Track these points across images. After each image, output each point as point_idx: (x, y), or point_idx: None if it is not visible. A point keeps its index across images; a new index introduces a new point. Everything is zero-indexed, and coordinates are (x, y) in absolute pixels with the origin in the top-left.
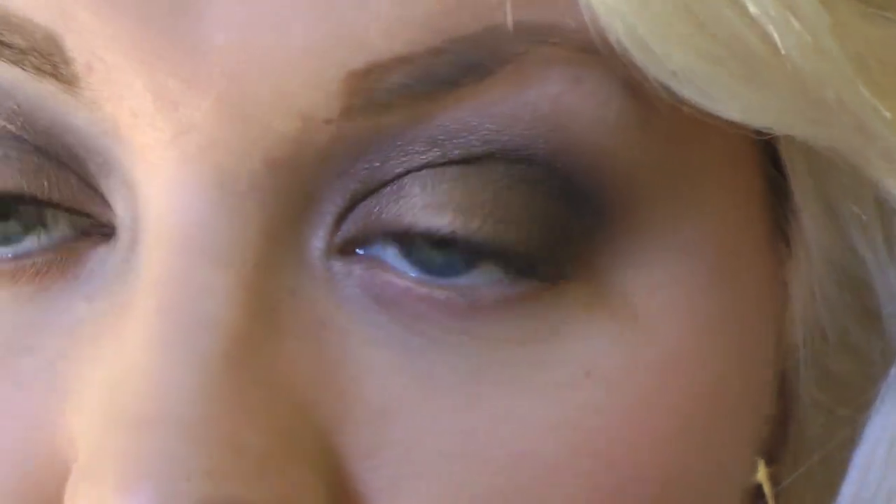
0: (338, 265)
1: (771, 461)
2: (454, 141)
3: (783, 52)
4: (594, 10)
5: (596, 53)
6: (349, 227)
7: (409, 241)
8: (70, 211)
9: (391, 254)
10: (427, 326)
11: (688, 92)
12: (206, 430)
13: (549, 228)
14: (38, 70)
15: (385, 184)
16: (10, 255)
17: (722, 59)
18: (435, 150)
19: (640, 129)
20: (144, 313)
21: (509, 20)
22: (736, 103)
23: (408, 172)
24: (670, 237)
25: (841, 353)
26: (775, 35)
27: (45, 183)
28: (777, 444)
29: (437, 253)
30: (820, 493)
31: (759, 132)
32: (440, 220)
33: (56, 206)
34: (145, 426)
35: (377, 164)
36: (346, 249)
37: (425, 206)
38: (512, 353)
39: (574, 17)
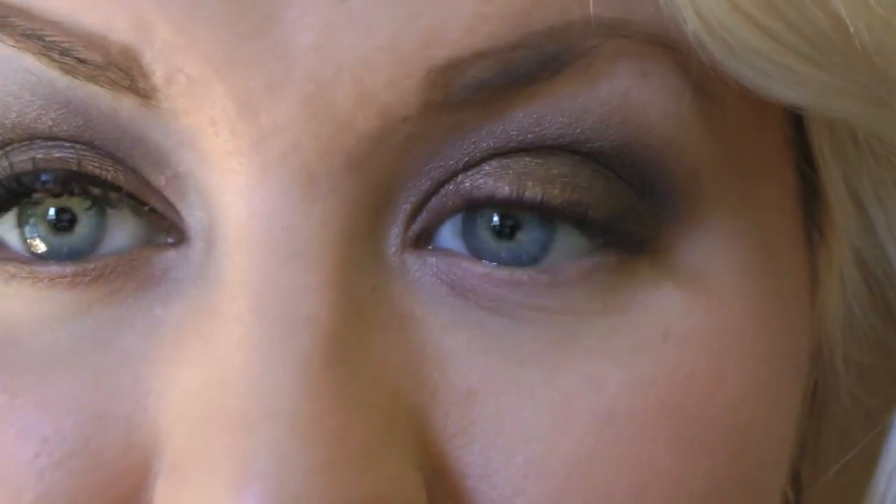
0: (412, 258)
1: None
2: (528, 136)
3: (852, 30)
4: None
5: (663, 46)
6: (423, 218)
7: (476, 235)
8: (137, 201)
9: (459, 246)
10: (508, 307)
11: (751, 74)
12: (313, 427)
13: (620, 204)
14: (116, 85)
15: (461, 172)
16: (69, 261)
17: (789, 41)
18: (510, 144)
19: (704, 124)
20: (237, 315)
21: (591, 12)
22: (798, 87)
23: (483, 160)
24: (729, 224)
25: (867, 346)
26: (844, 13)
27: (112, 170)
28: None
29: (505, 246)
30: (848, 488)
31: (796, 130)
32: (522, 185)
33: (123, 193)
34: (251, 425)
35: (451, 161)
36: (419, 242)
37: (503, 175)
38: (590, 323)
39: (643, 10)
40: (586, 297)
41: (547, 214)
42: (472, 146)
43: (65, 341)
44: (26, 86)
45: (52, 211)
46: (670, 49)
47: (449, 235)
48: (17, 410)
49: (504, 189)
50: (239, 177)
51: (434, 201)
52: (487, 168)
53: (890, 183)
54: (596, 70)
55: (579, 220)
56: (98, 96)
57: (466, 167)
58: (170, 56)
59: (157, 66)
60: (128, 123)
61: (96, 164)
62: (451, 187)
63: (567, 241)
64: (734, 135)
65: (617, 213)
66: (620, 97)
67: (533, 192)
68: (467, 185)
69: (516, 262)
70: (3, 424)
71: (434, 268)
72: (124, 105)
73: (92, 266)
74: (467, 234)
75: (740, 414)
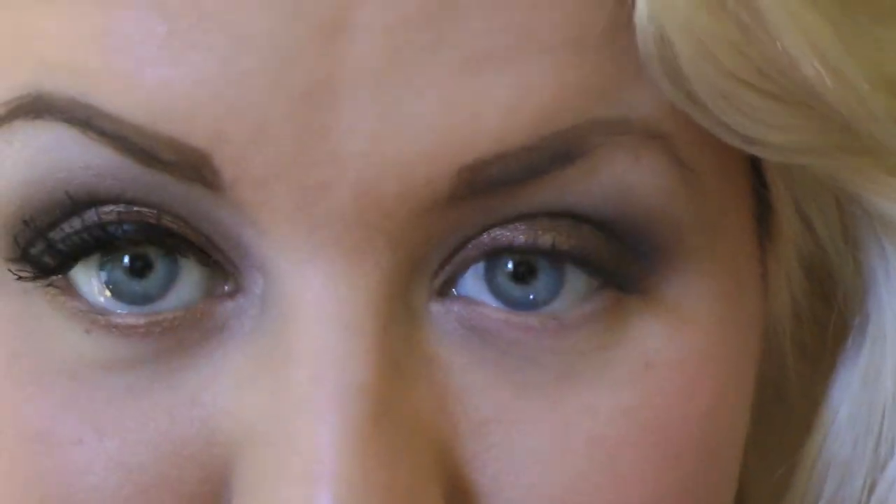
0: (437, 306)
1: None
2: (538, 214)
3: (833, 105)
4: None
5: (655, 137)
6: (447, 271)
7: (497, 281)
8: (205, 253)
9: (482, 290)
10: (520, 348)
11: (754, 127)
12: (367, 483)
13: (617, 254)
14: (186, 178)
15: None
16: (141, 313)
17: (788, 101)
18: (523, 218)
19: (685, 194)
20: (296, 379)
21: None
22: (785, 134)
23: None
24: (705, 263)
25: (808, 325)
26: (827, 95)
27: (184, 226)
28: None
29: (520, 289)
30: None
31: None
32: (535, 236)
33: (195, 246)
34: (313, 484)
35: (472, 233)
36: (443, 290)
37: (518, 229)
38: (588, 359)
39: (641, 107)
40: (587, 337)
41: (557, 257)
42: (493, 219)
43: (140, 384)
44: (108, 170)
45: (126, 258)
46: (662, 138)
47: (471, 280)
48: (104, 443)
49: (520, 238)
50: (295, 254)
51: (458, 256)
52: (505, 223)
53: (829, 197)
54: (598, 160)
55: (584, 261)
56: (172, 183)
57: (486, 229)
58: (238, 161)
59: (226, 167)
60: (198, 201)
61: (172, 222)
62: (473, 241)
63: (574, 282)
64: (708, 197)
65: (614, 259)
66: (617, 180)
67: (545, 238)
68: (486, 238)
69: (530, 304)
70: (91, 454)
71: (456, 314)
72: (195, 191)
73: (162, 318)
74: (489, 278)
75: (710, 427)
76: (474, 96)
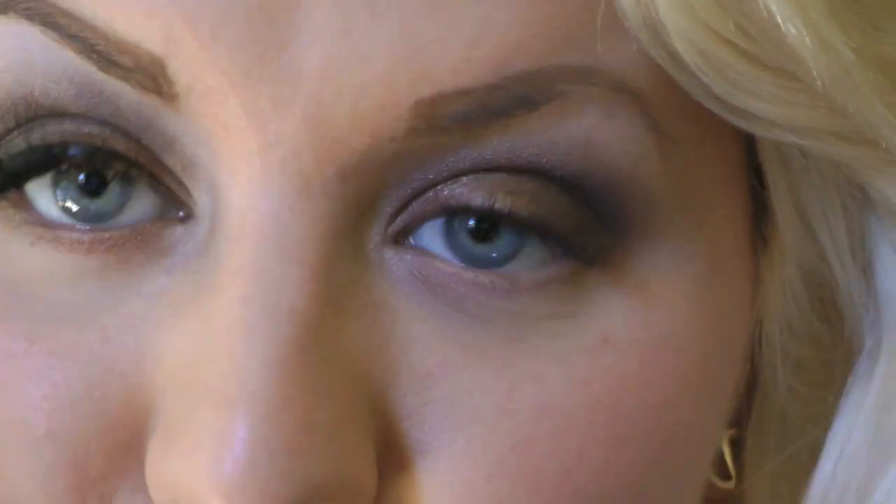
0: (390, 253)
1: (732, 426)
2: (500, 160)
3: (815, 73)
4: (655, 28)
5: (628, 93)
6: (404, 219)
7: (455, 237)
8: (155, 179)
9: (439, 245)
10: (471, 305)
11: (736, 93)
12: (285, 412)
13: (580, 221)
14: (143, 87)
15: (440, 184)
16: (87, 228)
17: (771, 66)
18: (483, 166)
19: (661, 159)
20: (228, 300)
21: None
22: (769, 105)
23: (460, 174)
24: (679, 241)
25: (804, 342)
26: (809, 59)
27: (135, 150)
28: (740, 415)
29: (479, 247)
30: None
31: (749, 155)
32: (493, 199)
33: (144, 171)
34: (231, 406)
35: (431, 175)
36: (398, 239)
37: (477, 187)
38: (539, 326)
39: (612, 59)
40: (539, 303)
41: (515, 224)
42: (451, 164)
43: (78, 300)
44: (65, 75)
45: (83, 176)
46: (635, 95)
47: (428, 235)
48: (33, 356)
49: (477, 199)
50: (244, 175)
51: (414, 206)
52: (464, 180)
53: (836, 201)
54: (566, 110)
55: (543, 231)
56: (127, 91)
57: (445, 180)
58: (192, 68)
59: (181, 76)
60: (151, 116)
61: (121, 144)
62: (430, 194)
63: (531, 250)
64: (689, 168)
65: (577, 228)
66: (585, 135)
67: (504, 202)
68: (445, 193)
69: (491, 261)
70: (20, 366)
71: (409, 263)
72: (149, 101)
73: (108, 235)
74: (447, 232)
75: (666, 415)
76: (438, 26)
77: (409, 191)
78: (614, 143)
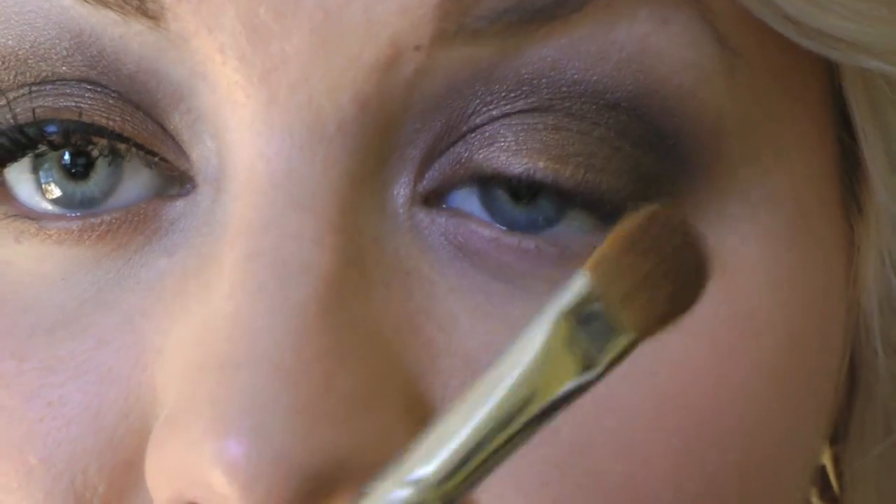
0: (421, 214)
1: (833, 441)
2: (542, 80)
3: None
4: None
5: None
6: (434, 175)
7: (493, 198)
8: (146, 151)
9: (476, 206)
10: (513, 275)
11: (808, 9)
12: (299, 372)
13: (637, 178)
14: (124, 6)
15: (473, 130)
16: (77, 215)
17: None
18: (523, 88)
19: (727, 76)
20: (233, 261)
21: None
22: (845, 20)
23: (495, 119)
24: (754, 190)
25: None
26: None
27: (119, 119)
28: (841, 423)
29: (520, 210)
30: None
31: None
32: (534, 166)
33: (131, 143)
34: (236, 368)
35: (462, 104)
36: (430, 200)
37: (517, 151)
38: None
39: None
40: None
41: (558, 198)
42: (484, 91)
43: (71, 302)
44: (41, 13)
45: (67, 156)
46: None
47: (462, 196)
48: (24, 374)
49: (516, 168)
50: (247, 111)
51: (445, 160)
52: (502, 143)
53: None
54: (615, 12)
55: (591, 203)
56: (109, 23)
57: (475, 128)
58: None
59: None
60: (139, 51)
61: (103, 113)
62: (463, 152)
63: (578, 212)
64: (762, 94)
65: (633, 192)
66: (638, 43)
67: (545, 173)
68: (479, 158)
69: (532, 225)
70: (11, 388)
71: (443, 227)
72: (134, 30)
73: (99, 220)
74: (484, 195)
75: (749, 409)
76: None
77: (439, 129)
78: (672, 52)
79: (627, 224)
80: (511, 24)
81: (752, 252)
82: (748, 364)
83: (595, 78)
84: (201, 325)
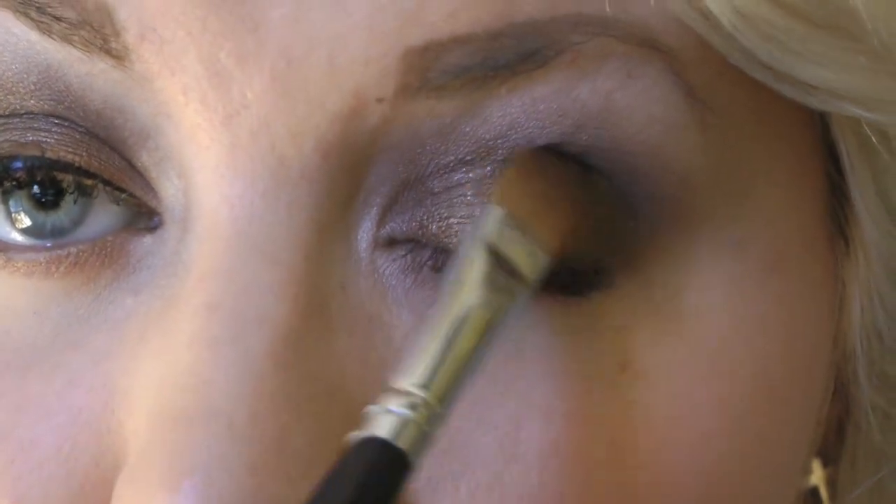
0: (382, 258)
1: (827, 463)
2: (499, 141)
3: (869, 26)
4: None
5: (655, 49)
6: (395, 228)
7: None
8: (113, 187)
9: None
10: None
11: (783, 57)
12: (252, 427)
13: (595, 237)
14: (89, 45)
15: (434, 194)
16: (47, 245)
17: (819, 24)
18: (479, 151)
19: (696, 129)
20: (193, 309)
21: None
22: (822, 69)
23: (452, 187)
24: (722, 236)
25: (890, 355)
26: (861, 10)
27: (86, 154)
28: (833, 447)
29: None
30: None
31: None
32: None
33: (98, 179)
34: (191, 422)
35: (425, 158)
36: (390, 245)
37: (474, 215)
38: (551, 341)
39: (636, 9)
40: (549, 314)
41: None
42: (443, 151)
43: (43, 339)
44: (8, 47)
45: (36, 187)
46: (663, 52)
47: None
48: None
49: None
50: (210, 153)
51: (407, 217)
52: (458, 200)
53: None
54: (579, 68)
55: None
56: (74, 60)
57: (435, 193)
58: (143, 15)
59: (130, 23)
60: (105, 89)
61: (70, 148)
62: (424, 218)
63: None
64: (737, 141)
65: (591, 259)
66: (602, 100)
67: None
68: (435, 230)
69: None
70: None
71: (400, 265)
72: (99, 67)
73: (66, 252)
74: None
75: (708, 456)
76: None
77: (401, 177)
78: (637, 108)
79: (509, 172)
80: (475, 79)
81: (714, 298)
82: (709, 409)
83: (551, 136)
84: (162, 373)
